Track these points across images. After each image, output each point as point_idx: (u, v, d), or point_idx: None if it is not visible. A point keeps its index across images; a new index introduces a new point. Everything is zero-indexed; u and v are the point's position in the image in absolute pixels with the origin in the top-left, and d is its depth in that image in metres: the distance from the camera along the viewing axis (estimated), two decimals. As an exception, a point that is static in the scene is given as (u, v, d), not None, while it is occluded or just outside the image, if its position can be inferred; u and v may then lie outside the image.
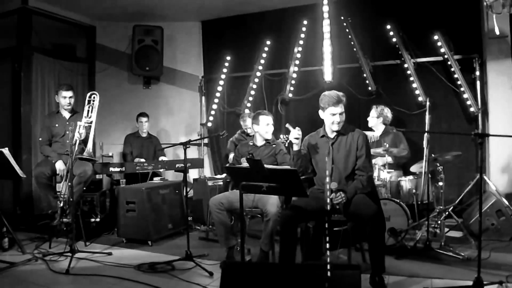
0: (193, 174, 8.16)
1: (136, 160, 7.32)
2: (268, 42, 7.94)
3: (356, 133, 4.40)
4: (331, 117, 4.28)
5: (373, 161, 5.72)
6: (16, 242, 5.66)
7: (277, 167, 4.70)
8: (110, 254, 5.43)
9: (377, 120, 6.41)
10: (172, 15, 8.37)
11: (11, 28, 7.50)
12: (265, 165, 3.71)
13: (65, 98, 6.17)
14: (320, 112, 4.38)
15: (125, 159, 7.50)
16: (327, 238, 3.41)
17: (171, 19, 8.51)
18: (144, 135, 7.69)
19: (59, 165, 5.98)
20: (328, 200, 3.83)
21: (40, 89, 7.87)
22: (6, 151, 4.91)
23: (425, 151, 5.27)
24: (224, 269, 3.09)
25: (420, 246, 5.07)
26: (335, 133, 4.39)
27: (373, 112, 6.44)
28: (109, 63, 8.85)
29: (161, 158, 7.47)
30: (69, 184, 5.42)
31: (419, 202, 5.69)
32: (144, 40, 8.21)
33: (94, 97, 5.97)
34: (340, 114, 4.28)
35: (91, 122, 5.87)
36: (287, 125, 4.32)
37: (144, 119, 7.64)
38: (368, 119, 6.49)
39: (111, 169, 6.42)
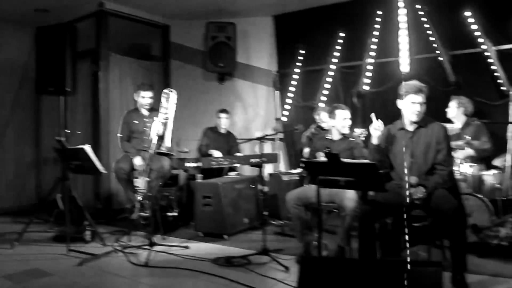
0: (268, 169, 8.14)
1: (211, 152, 7.38)
2: (342, 34, 7.77)
3: (436, 125, 4.22)
4: (411, 105, 4.14)
5: (454, 154, 5.50)
6: (98, 235, 5.86)
7: (355, 161, 4.61)
8: (187, 247, 5.51)
9: (457, 111, 6.14)
10: (245, 11, 8.36)
11: (90, 31, 7.75)
12: (343, 159, 3.63)
13: (144, 98, 6.32)
14: (399, 101, 4.24)
15: (200, 151, 7.56)
16: (406, 234, 3.30)
17: (244, 15, 8.50)
18: (223, 131, 7.73)
19: (137, 161, 6.13)
20: (408, 195, 3.72)
21: (118, 88, 8.09)
22: (87, 147, 5.06)
23: (509, 144, 5.02)
24: (302, 264, 3.05)
25: (505, 244, 4.77)
26: (414, 126, 4.23)
27: (453, 103, 6.17)
28: (184, 61, 8.99)
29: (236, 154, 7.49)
30: (148, 179, 5.55)
31: (503, 198, 5.41)
32: (217, 36, 8.25)
33: (170, 94, 6.07)
34: (420, 104, 4.12)
35: (168, 118, 5.97)
36: (372, 115, 4.22)
37: (223, 115, 7.65)
38: (447, 110, 6.23)
39: (187, 164, 6.49)
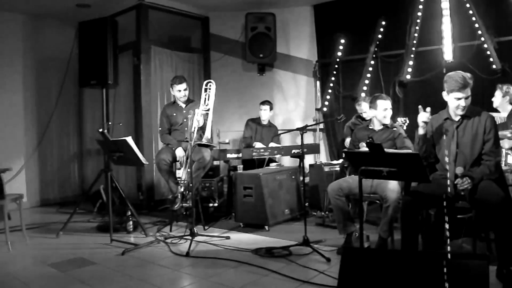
0: (308, 159, 8.10)
1: (254, 143, 7.38)
2: (383, 23, 7.64)
3: (483, 115, 4.08)
4: (456, 101, 4.01)
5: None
6: (140, 225, 5.93)
7: (398, 151, 4.54)
8: (228, 238, 5.54)
9: (502, 100, 5.93)
10: (284, 1, 8.32)
11: (130, 24, 7.83)
12: (386, 149, 3.57)
13: (180, 91, 6.36)
14: (444, 94, 4.12)
15: (243, 143, 7.57)
16: (447, 226, 3.22)
17: (283, 5, 8.46)
18: (265, 122, 7.71)
19: (179, 152, 6.18)
20: (452, 185, 3.63)
21: (159, 80, 8.17)
22: (129, 139, 5.11)
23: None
24: (344, 255, 3.01)
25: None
26: (460, 116, 4.13)
27: (498, 92, 5.97)
28: (224, 52, 8.99)
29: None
30: (189, 170, 5.58)
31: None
32: (257, 27, 8.22)
33: (210, 85, 6.09)
34: (466, 98, 3.99)
35: (208, 110, 6.00)
36: (420, 107, 4.13)
37: (264, 107, 7.63)
38: (492, 99, 6.03)
39: (228, 155, 6.50)
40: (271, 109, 7.66)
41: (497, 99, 5.92)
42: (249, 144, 7.42)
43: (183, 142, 6.16)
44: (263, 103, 7.65)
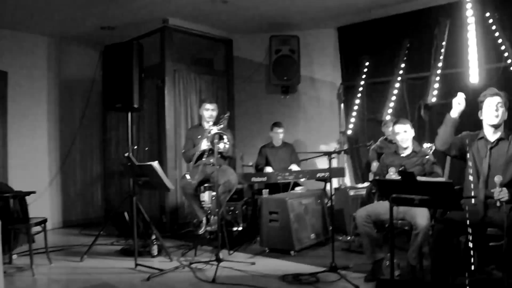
0: (333, 182, 8.02)
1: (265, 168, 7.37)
2: (408, 45, 7.58)
3: None
4: (488, 109, 4.02)
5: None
6: (164, 249, 5.90)
7: (430, 179, 4.48)
8: (253, 263, 5.48)
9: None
10: (308, 24, 8.33)
11: (154, 46, 7.88)
12: (418, 177, 3.51)
13: (208, 110, 6.34)
14: (480, 112, 4.12)
15: (256, 169, 7.54)
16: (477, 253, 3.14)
17: (307, 28, 8.46)
18: (278, 144, 7.67)
19: (203, 145, 6.14)
20: (482, 207, 3.54)
21: (183, 103, 8.18)
22: (156, 164, 5.10)
23: None
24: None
25: None
26: (495, 136, 4.07)
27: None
28: (247, 75, 9.00)
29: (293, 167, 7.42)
30: (214, 193, 5.56)
31: None
32: (281, 50, 8.20)
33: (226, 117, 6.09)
34: (498, 106, 4.01)
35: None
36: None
37: (279, 130, 7.60)
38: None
39: (253, 179, 6.46)
40: (282, 131, 7.64)
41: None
42: (260, 170, 7.40)
43: (208, 164, 6.13)
44: (276, 125, 7.63)
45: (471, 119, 4.24)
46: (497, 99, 4.03)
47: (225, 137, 5.85)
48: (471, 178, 4.12)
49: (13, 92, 7.82)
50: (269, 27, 8.36)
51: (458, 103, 4.05)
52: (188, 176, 6.13)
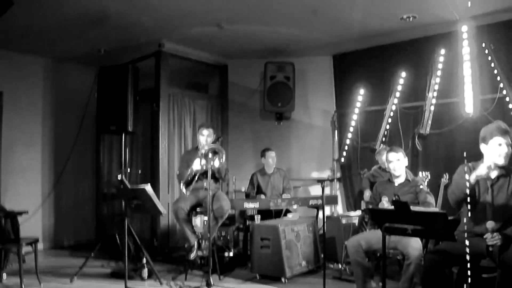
0: (325, 210, 8.01)
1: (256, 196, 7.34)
2: (403, 74, 7.64)
3: None
4: (497, 148, 3.88)
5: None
6: (154, 273, 5.85)
7: (424, 209, 4.45)
8: (244, 290, 5.43)
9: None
10: (303, 51, 8.39)
11: (149, 70, 7.88)
12: (411, 207, 3.50)
13: (203, 136, 6.32)
14: (482, 146, 4.00)
15: (247, 197, 7.50)
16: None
17: (302, 55, 8.53)
18: (271, 170, 7.66)
19: (196, 165, 6.10)
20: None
21: (177, 127, 8.19)
22: (148, 187, 5.07)
23: None
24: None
25: None
26: (496, 173, 4.01)
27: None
28: (242, 100, 9.03)
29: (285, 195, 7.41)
30: (206, 219, 5.53)
31: None
32: (276, 76, 8.24)
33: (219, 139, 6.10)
34: (507, 146, 3.88)
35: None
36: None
37: (272, 154, 7.58)
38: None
39: (245, 205, 6.42)
40: (273, 156, 7.61)
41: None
42: (252, 197, 7.36)
43: (201, 188, 6.12)
44: (268, 150, 7.61)
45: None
46: (507, 139, 3.89)
47: (219, 152, 5.81)
48: (470, 212, 4.02)
49: (8, 111, 7.84)
50: (265, 53, 8.42)
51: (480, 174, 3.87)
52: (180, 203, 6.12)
